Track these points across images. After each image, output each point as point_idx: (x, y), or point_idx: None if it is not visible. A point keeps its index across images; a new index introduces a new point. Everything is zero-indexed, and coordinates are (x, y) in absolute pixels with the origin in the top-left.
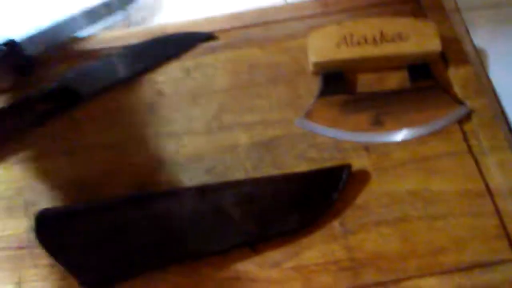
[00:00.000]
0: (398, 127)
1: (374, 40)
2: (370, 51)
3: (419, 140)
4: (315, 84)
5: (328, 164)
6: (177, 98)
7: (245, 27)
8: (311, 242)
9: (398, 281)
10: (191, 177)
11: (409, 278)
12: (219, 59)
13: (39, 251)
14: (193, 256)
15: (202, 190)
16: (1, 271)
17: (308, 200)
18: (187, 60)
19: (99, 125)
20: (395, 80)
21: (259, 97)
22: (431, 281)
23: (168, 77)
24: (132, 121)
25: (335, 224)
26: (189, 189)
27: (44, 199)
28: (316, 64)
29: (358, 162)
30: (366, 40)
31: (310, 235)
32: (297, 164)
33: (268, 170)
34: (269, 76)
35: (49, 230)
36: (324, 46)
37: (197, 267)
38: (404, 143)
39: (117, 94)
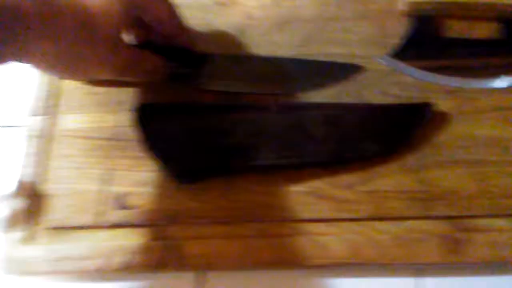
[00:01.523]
0: (484, 74)
1: None
2: None
3: (504, 90)
4: (404, 25)
5: (410, 102)
6: (265, 23)
7: None
8: (386, 171)
9: (468, 217)
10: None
11: (477, 216)
12: None
13: (130, 144)
14: (272, 166)
15: (289, 107)
16: (94, 158)
17: (388, 131)
18: None
19: None
20: (485, 30)
21: (346, 31)
22: (499, 222)
23: (258, 3)
24: (221, 39)
25: (411, 158)
26: (277, 104)
27: (135, 100)
28: (410, 4)
29: (440, 104)
30: None
31: (385, 164)
32: (378, 99)
33: (349, 100)
34: (357, 12)
35: (147, 122)
36: None
37: (274, 179)
38: (488, 91)
39: (207, 15)
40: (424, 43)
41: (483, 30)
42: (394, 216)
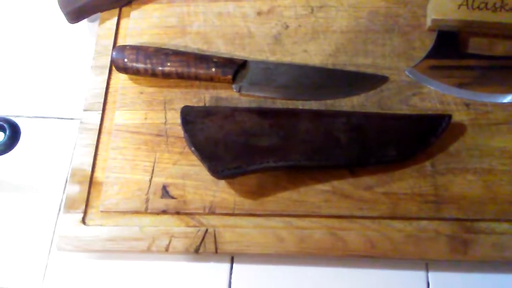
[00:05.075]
0: (500, 90)
1: (494, 7)
2: (489, 16)
3: None
4: (429, 39)
5: (429, 112)
6: (300, 32)
7: None
8: (402, 175)
9: (475, 220)
10: (304, 103)
11: (484, 220)
12: (342, 3)
13: (175, 140)
14: (301, 167)
15: (318, 113)
16: (141, 151)
17: (407, 138)
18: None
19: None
20: (504, 47)
21: (374, 43)
22: (504, 226)
23: (294, 13)
24: (259, 46)
25: (427, 164)
26: (307, 110)
27: (180, 101)
28: (435, 21)
29: (457, 115)
30: (486, 6)
31: (402, 169)
32: (400, 108)
33: (373, 109)
34: (386, 26)
35: (191, 122)
36: (446, 5)
37: (302, 178)
38: (502, 105)
39: (248, 23)
40: (446, 58)
41: (501, 47)
42: (408, 216)
